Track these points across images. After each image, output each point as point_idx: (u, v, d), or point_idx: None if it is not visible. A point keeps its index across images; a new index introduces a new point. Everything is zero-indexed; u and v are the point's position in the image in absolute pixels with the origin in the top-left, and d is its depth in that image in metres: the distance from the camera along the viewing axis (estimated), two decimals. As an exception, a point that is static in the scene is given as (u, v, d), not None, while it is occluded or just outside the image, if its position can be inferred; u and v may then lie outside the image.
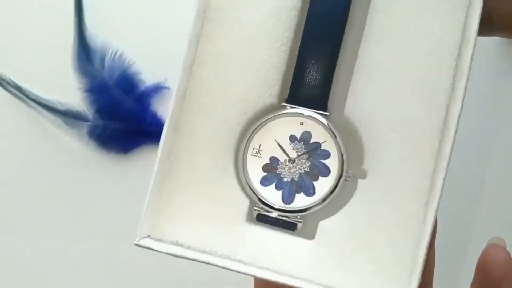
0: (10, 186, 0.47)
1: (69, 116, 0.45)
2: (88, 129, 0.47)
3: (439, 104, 0.31)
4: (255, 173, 0.33)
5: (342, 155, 0.32)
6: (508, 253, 0.28)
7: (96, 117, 0.46)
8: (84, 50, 0.46)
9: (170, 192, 0.33)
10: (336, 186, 0.33)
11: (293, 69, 0.33)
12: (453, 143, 0.30)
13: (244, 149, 0.33)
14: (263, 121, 0.33)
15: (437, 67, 0.31)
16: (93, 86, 0.46)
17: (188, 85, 0.33)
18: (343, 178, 0.32)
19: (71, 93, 0.46)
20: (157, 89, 0.48)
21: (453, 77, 0.31)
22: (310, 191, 0.33)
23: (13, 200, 0.47)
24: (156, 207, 0.33)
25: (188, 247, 0.33)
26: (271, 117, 0.33)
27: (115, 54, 0.46)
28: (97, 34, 0.47)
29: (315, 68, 0.33)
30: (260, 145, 0.33)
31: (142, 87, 0.47)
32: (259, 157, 0.33)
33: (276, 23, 0.33)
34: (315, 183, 0.33)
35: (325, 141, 0.33)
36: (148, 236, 0.32)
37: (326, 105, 0.33)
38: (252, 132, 0.33)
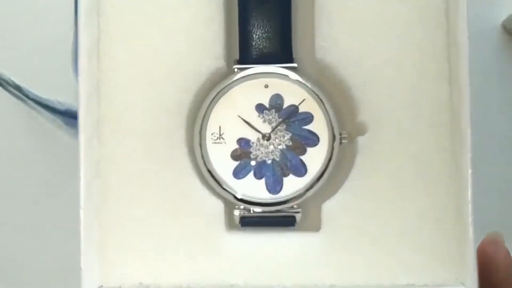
0: (9, 186, 0.45)
1: (69, 116, 0.43)
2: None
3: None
4: (224, 165, 0.25)
5: (328, 114, 0.25)
6: (508, 251, 0.25)
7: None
8: None
9: (110, 225, 0.25)
10: (331, 155, 0.25)
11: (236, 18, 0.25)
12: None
13: (201, 138, 0.25)
14: (215, 95, 0.25)
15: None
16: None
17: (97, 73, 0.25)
18: (337, 141, 0.25)
19: (71, 93, 0.42)
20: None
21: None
22: (300, 170, 0.25)
23: (13, 200, 0.45)
24: (98, 250, 0.24)
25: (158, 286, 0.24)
26: (224, 88, 0.25)
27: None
28: None
29: (267, 9, 0.25)
30: (220, 127, 0.25)
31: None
32: (223, 143, 0.25)
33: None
34: (303, 157, 0.25)
35: (302, 101, 0.25)
36: (101, 287, 0.24)
37: (291, 54, 0.25)
38: (205, 113, 0.25)
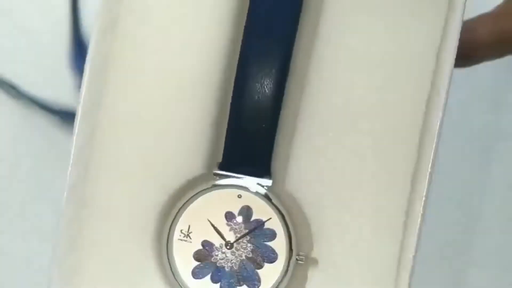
0: (6, 186, 0.45)
1: (65, 115, 0.44)
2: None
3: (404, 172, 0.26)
4: (185, 263, 0.27)
5: (290, 235, 0.26)
6: None
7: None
8: (80, 49, 0.45)
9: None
10: (286, 273, 0.26)
11: (225, 128, 0.27)
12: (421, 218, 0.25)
13: (169, 232, 0.26)
14: (192, 197, 0.27)
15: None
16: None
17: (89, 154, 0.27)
18: (293, 261, 0.26)
19: (67, 92, 0.45)
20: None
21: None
22: (255, 283, 0.26)
23: (7, 199, 0.45)
24: None
25: None
26: (200, 191, 0.27)
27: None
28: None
29: (253, 124, 0.26)
30: (189, 226, 0.27)
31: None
32: (189, 241, 0.27)
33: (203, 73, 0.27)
34: (259, 271, 0.26)
35: (269, 219, 0.26)
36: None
37: (269, 170, 0.27)
38: (179, 211, 0.27)
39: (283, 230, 0.26)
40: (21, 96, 0.45)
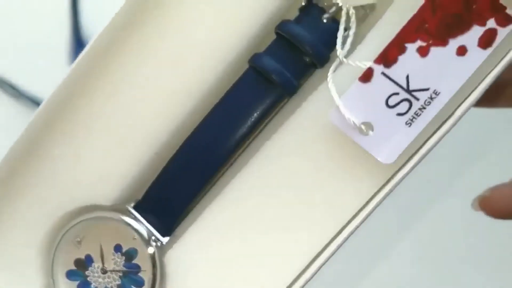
0: None
1: None
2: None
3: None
4: (66, 262, 0.30)
5: (153, 293, 0.29)
6: None
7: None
8: (80, 48, 0.45)
9: None
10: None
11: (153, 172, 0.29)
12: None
13: (67, 231, 0.30)
14: (100, 216, 0.30)
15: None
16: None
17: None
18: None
19: None
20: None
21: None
22: (106, 311, 0.30)
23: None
24: None
25: None
26: (109, 217, 0.30)
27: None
28: (93, 31, 0.46)
29: (174, 193, 0.29)
30: (84, 237, 0.30)
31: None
32: (77, 247, 0.30)
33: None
34: (115, 305, 0.30)
35: (145, 270, 0.29)
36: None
37: (170, 232, 0.29)
38: (85, 220, 0.30)
39: (151, 285, 0.29)
40: (21, 96, 0.45)
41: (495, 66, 0.23)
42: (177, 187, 0.29)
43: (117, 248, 0.29)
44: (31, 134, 0.29)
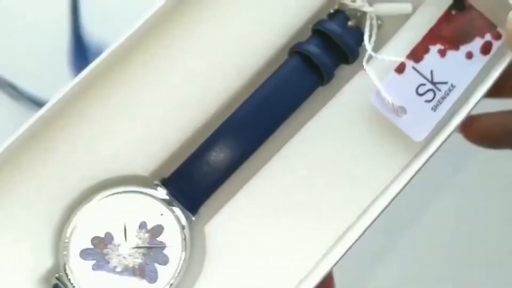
0: None
1: None
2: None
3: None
4: (81, 239, 0.28)
5: (181, 269, 0.28)
6: None
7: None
8: (80, 48, 0.46)
9: None
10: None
11: (186, 151, 0.30)
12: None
13: (85, 210, 0.28)
14: (125, 191, 0.29)
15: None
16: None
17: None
18: (167, 291, 0.28)
19: None
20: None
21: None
22: (126, 292, 0.28)
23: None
24: None
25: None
26: (135, 191, 0.29)
27: (111, 52, 0.45)
28: (93, 31, 0.46)
29: (209, 171, 0.29)
30: (106, 213, 0.29)
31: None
32: (96, 225, 0.28)
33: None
34: (135, 285, 0.28)
35: (171, 247, 0.29)
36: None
37: (197, 210, 0.29)
38: (107, 197, 0.28)
39: (178, 261, 0.28)
40: (21, 96, 0.45)
41: (494, 67, 0.29)
42: (208, 169, 0.29)
43: (142, 225, 0.29)
44: (65, 102, 0.29)
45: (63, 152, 0.29)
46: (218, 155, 0.29)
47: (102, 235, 0.28)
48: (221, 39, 0.29)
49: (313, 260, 0.29)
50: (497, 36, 0.30)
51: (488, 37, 0.30)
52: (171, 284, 0.28)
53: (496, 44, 0.30)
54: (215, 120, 0.30)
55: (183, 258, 0.28)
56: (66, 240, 0.28)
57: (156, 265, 0.29)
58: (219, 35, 0.30)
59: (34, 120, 0.27)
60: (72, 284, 0.27)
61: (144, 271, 0.28)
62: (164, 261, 0.29)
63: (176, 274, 0.28)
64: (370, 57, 0.29)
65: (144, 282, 0.28)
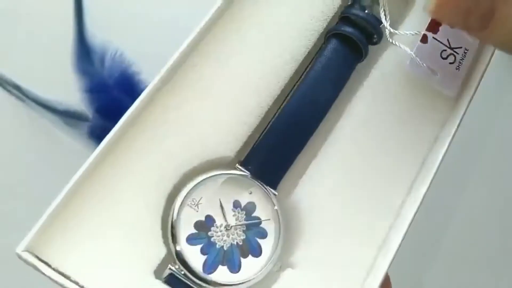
0: (9, 187, 0.44)
1: (68, 116, 0.44)
2: (88, 129, 0.44)
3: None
4: (185, 227, 0.29)
5: (279, 240, 0.30)
6: None
7: (96, 117, 0.44)
8: (84, 50, 0.45)
9: (78, 217, 0.28)
10: (262, 270, 0.29)
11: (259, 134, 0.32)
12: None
13: (184, 197, 0.29)
14: (215, 175, 0.30)
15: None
16: (93, 86, 0.45)
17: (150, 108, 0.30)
18: (271, 264, 0.30)
19: (71, 93, 0.45)
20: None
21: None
22: (235, 268, 0.29)
23: (12, 200, 0.44)
24: (57, 226, 0.28)
25: (76, 283, 0.25)
26: (224, 173, 0.30)
27: (115, 54, 0.45)
28: (96, 33, 0.46)
29: (282, 147, 0.31)
30: (201, 198, 0.30)
31: (142, 87, 0.45)
32: (195, 210, 0.29)
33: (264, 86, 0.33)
34: (243, 260, 0.29)
35: (267, 220, 0.30)
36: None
37: (277, 186, 0.31)
38: (200, 182, 0.30)
39: (275, 233, 0.30)
40: (25, 97, 0.45)
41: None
42: (281, 145, 0.31)
43: (236, 204, 0.30)
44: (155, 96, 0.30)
45: (154, 146, 0.30)
46: (289, 132, 0.32)
47: (203, 219, 0.29)
48: (275, 29, 0.33)
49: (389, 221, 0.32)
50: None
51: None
52: (277, 248, 0.30)
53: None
54: (278, 100, 0.33)
55: (279, 230, 0.30)
56: (173, 230, 0.28)
57: (257, 239, 0.30)
58: (274, 26, 0.33)
59: (125, 118, 0.28)
60: (187, 272, 0.28)
61: (248, 247, 0.29)
62: (263, 235, 0.30)
63: (276, 246, 0.30)
64: (390, 35, 0.34)
65: (250, 258, 0.29)
